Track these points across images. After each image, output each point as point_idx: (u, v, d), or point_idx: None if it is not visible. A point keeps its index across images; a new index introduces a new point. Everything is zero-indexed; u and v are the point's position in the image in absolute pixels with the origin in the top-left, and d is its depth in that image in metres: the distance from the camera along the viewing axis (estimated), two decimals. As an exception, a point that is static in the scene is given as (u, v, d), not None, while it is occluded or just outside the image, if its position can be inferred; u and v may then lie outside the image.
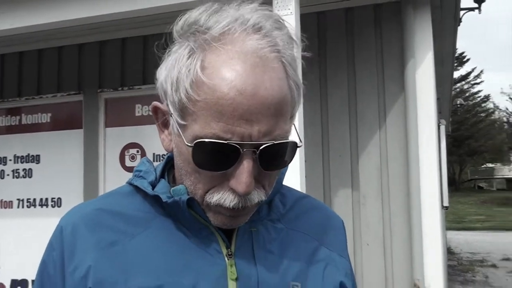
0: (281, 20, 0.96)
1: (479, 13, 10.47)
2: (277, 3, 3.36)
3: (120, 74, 5.04)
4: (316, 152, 4.40)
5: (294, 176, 2.99)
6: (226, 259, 1.01)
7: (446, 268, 10.30)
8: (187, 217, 1.01)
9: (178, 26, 0.97)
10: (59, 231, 1.04)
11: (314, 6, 4.40)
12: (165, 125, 1.02)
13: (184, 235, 1.02)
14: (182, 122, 0.93)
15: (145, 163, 1.12)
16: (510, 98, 49.53)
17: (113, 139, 5.00)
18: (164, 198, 1.01)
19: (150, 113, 4.69)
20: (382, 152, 4.35)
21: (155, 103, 1.01)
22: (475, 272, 12.69)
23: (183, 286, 0.97)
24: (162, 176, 1.10)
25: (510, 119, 48.55)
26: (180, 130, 0.94)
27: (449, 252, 15.33)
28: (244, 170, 0.91)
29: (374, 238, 4.31)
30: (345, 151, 4.41)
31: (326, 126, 4.45)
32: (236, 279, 0.99)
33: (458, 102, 24.64)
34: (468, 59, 47.16)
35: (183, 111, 0.92)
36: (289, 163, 0.99)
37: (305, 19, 3.50)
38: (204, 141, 0.89)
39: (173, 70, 0.93)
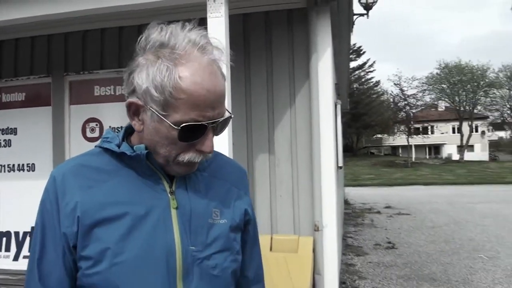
0: (211, 39, 1.14)
1: (367, 18, 10.82)
2: (210, 7, 3.37)
3: (82, 61, 4.97)
4: (241, 125, 4.48)
5: (223, 144, 3.05)
6: (169, 195, 1.16)
7: (343, 214, 10.64)
8: (144, 165, 1.15)
9: (142, 44, 1.12)
10: (53, 179, 1.15)
11: (240, 9, 4.43)
12: (136, 114, 1.14)
13: (140, 180, 1.16)
14: (163, 113, 1.08)
15: (110, 132, 1.23)
16: (394, 83, 50.64)
17: (76, 114, 4.95)
18: (128, 153, 1.15)
19: (107, 93, 4.67)
20: (292, 125, 4.46)
21: (130, 100, 1.13)
22: (364, 217, 13.00)
23: (141, 213, 1.12)
24: (123, 141, 1.22)
25: (395, 100, 49.65)
26: (162, 118, 1.08)
27: (346, 203, 15.60)
28: (210, 138, 1.13)
29: (286, 191, 4.45)
30: (263, 125, 4.50)
31: (249, 105, 4.52)
32: (176, 208, 1.15)
33: (355, 86, 25.10)
34: (364, 52, 47.96)
35: (166, 105, 1.07)
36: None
37: (233, 19, 3.55)
38: (188, 124, 1.07)
39: (156, 79, 1.07)
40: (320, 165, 4.37)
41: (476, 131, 56.09)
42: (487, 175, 34.49)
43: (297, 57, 4.51)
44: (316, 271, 4.38)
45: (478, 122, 56.35)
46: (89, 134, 4.89)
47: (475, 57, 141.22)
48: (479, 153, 57.33)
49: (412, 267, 7.25)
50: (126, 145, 1.19)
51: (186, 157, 1.13)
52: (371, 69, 55.80)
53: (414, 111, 49.06)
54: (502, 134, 64.64)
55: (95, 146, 1.23)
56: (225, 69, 1.21)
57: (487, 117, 56.72)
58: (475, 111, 52.67)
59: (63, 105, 4.96)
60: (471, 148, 55.74)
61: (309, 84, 4.42)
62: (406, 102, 47.63)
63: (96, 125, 4.88)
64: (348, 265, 7.26)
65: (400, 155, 58.59)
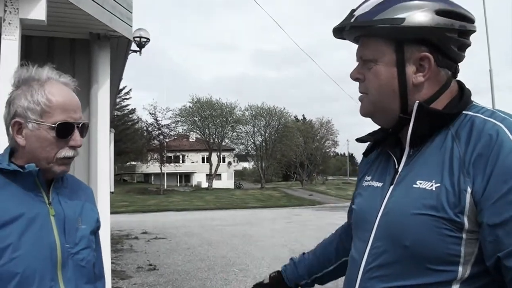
0: (57, 72, 1.55)
1: (140, 55, 11.49)
2: (6, 29, 3.43)
3: None
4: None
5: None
6: (48, 205, 1.49)
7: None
8: (30, 181, 1.46)
9: (16, 82, 1.51)
10: None
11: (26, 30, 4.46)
12: (19, 132, 1.46)
13: (25, 193, 1.46)
14: (42, 120, 1.43)
15: None
16: (149, 113, 51.88)
17: None
18: (22, 170, 1.43)
19: None
20: None
21: (13, 120, 1.46)
22: (123, 243, 13.14)
23: (29, 217, 1.42)
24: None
25: (149, 128, 50.88)
26: (42, 123, 1.43)
27: None
28: (78, 135, 1.50)
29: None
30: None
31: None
32: (54, 215, 1.49)
33: (115, 113, 25.15)
34: (121, 79, 47.54)
35: (42, 114, 1.43)
36: None
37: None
38: (62, 122, 1.45)
39: (33, 98, 1.44)
40: (97, 190, 4.59)
41: (224, 161, 60.94)
42: (233, 201, 37.95)
43: (79, 85, 4.71)
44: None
45: (226, 153, 61.53)
46: None
47: (225, 95, 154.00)
48: (226, 181, 62.57)
49: (174, 284, 7.89)
50: (14, 165, 1.46)
51: (63, 153, 1.47)
52: (128, 96, 56.45)
53: (167, 140, 51.10)
54: (246, 164, 71.87)
55: None
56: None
57: (233, 149, 62.32)
58: (223, 143, 57.45)
59: None
60: (219, 176, 60.37)
61: (89, 111, 4.66)
62: (160, 131, 49.32)
63: None
64: (114, 288, 7.48)
65: (153, 183, 59.97)
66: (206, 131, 56.03)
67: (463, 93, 1.26)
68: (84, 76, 4.71)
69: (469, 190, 1.07)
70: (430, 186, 1.13)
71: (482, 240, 1.07)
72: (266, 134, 58.55)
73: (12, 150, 1.50)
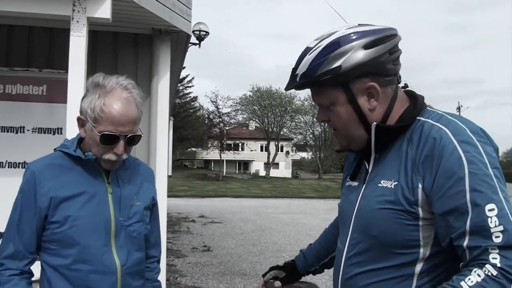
0: (134, 83, 1.79)
1: (199, 47, 11.98)
2: (74, 26, 3.78)
3: None
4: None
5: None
6: (106, 184, 1.80)
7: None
8: (92, 165, 1.78)
9: (90, 81, 1.78)
10: (31, 171, 1.74)
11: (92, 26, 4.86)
12: (82, 126, 1.77)
13: (88, 173, 1.78)
14: (94, 124, 1.70)
15: (68, 141, 1.84)
16: (211, 100, 52.78)
17: None
18: (83, 157, 1.76)
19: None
20: None
21: (78, 116, 1.78)
22: (181, 225, 13.82)
23: (90, 194, 1.75)
24: (76, 147, 1.81)
25: (210, 116, 51.81)
26: (93, 128, 1.70)
27: None
28: (121, 145, 1.73)
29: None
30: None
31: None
32: (111, 193, 1.80)
33: (177, 101, 25.85)
34: (184, 67, 48.26)
35: (95, 120, 1.70)
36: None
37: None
38: (105, 133, 1.69)
39: (91, 103, 1.71)
40: (155, 173, 4.97)
41: (282, 150, 61.25)
42: (289, 190, 38.22)
43: (141, 76, 5.06)
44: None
45: (284, 143, 61.73)
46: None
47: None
48: (283, 170, 62.67)
49: (226, 265, 8.30)
50: (80, 151, 1.79)
51: (107, 156, 1.75)
52: (190, 84, 57.57)
53: (227, 128, 51.82)
54: (304, 154, 71.66)
55: (55, 150, 1.83)
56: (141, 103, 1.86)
57: (292, 139, 62.40)
58: (282, 132, 57.64)
59: None
60: (276, 165, 60.66)
61: (149, 101, 5.00)
62: (220, 119, 50.11)
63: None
64: (170, 265, 7.97)
65: (212, 169, 60.86)
66: (265, 120, 56.50)
67: (416, 101, 1.47)
68: (146, 68, 5.03)
69: (420, 186, 1.31)
70: (390, 185, 1.37)
71: (436, 226, 1.30)
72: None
73: (81, 138, 1.82)
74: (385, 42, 1.40)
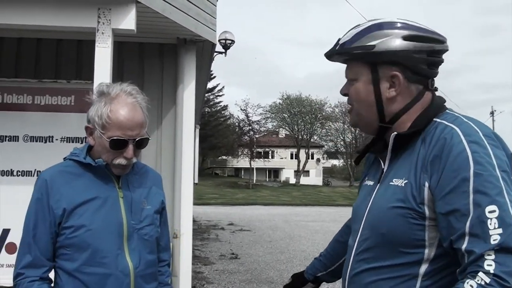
0: (137, 89, 1.84)
1: (225, 56, 12.06)
2: (99, 38, 3.87)
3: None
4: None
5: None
6: (117, 189, 1.85)
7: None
8: (102, 171, 1.82)
9: (96, 90, 1.83)
10: (44, 179, 1.79)
11: (117, 37, 4.96)
12: (90, 134, 1.82)
13: (99, 180, 1.83)
14: (102, 131, 1.75)
15: (77, 149, 1.89)
16: (241, 109, 53.05)
17: None
18: (93, 163, 1.81)
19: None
20: (158, 144, 5.02)
21: (86, 125, 1.82)
22: (210, 232, 13.89)
23: (102, 199, 1.79)
24: (86, 155, 1.86)
25: (240, 124, 52.07)
26: (102, 134, 1.75)
27: (193, 220, 16.27)
28: (130, 149, 1.78)
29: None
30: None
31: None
32: (122, 197, 1.85)
33: (206, 110, 26.03)
34: (214, 76, 48.92)
35: (103, 127, 1.75)
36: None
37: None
38: (114, 138, 1.73)
39: (98, 111, 1.76)
40: (181, 180, 4.99)
41: (312, 158, 60.73)
42: (320, 197, 37.94)
43: (166, 85, 5.13)
44: (173, 273, 5.01)
45: (314, 150, 61.27)
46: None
47: (317, 92, 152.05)
48: (314, 178, 62.29)
49: (253, 273, 8.30)
50: (89, 158, 1.84)
51: (117, 161, 1.80)
52: (220, 93, 57.96)
53: (257, 136, 51.91)
54: (335, 162, 71.02)
55: (65, 159, 1.88)
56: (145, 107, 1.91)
57: (322, 146, 61.98)
58: (312, 140, 57.30)
59: None
60: (307, 173, 60.32)
61: (175, 109, 5.06)
62: (250, 127, 50.28)
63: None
64: (197, 272, 8.03)
65: (243, 177, 60.68)
66: (295, 127, 56.31)
67: (431, 103, 1.47)
68: (172, 77, 5.10)
69: (426, 184, 1.31)
70: (401, 183, 1.38)
71: (439, 227, 1.29)
72: (357, 132, 57.57)
73: (91, 146, 1.87)
74: (426, 42, 1.44)
